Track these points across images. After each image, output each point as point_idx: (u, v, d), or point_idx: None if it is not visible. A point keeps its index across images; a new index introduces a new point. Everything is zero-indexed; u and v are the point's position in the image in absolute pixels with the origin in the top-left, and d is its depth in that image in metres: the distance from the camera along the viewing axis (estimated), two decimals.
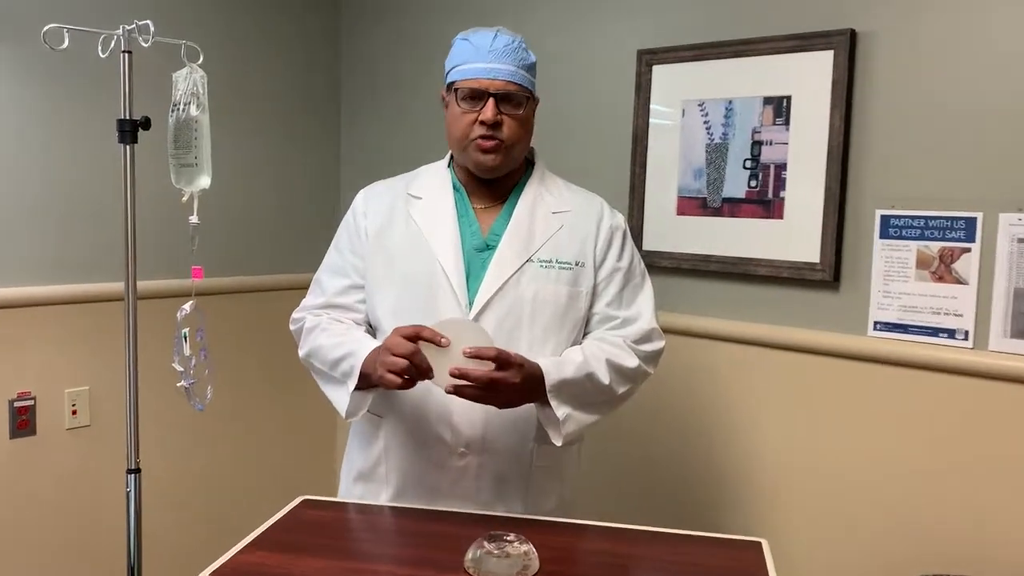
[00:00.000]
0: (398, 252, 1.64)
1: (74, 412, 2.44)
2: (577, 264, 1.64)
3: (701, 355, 2.19)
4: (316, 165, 3.02)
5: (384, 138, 2.91)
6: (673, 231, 2.23)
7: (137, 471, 1.92)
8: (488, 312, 1.58)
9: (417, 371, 1.43)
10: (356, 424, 1.71)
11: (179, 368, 1.92)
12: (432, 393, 1.56)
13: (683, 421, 2.24)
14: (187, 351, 1.92)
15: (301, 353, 1.68)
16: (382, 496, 1.65)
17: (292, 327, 1.73)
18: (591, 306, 1.67)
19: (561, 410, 1.53)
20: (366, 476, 1.67)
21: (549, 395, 1.51)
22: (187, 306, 1.92)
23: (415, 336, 1.44)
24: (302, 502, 1.58)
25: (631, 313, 1.68)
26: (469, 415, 1.57)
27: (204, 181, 1.87)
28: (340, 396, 1.59)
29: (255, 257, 2.85)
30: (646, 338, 1.68)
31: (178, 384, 1.93)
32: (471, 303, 1.59)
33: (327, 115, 3.04)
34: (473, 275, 1.61)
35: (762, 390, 2.12)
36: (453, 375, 1.42)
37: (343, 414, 1.58)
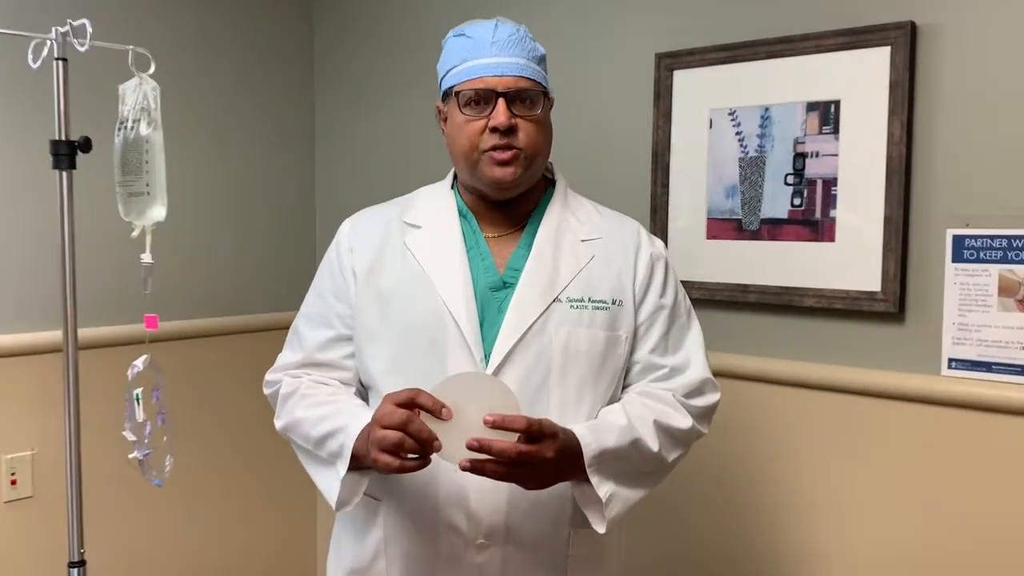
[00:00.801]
0: (393, 295, 1.34)
1: (13, 482, 2.10)
2: (614, 303, 1.35)
3: (741, 400, 1.90)
4: (289, 187, 2.68)
5: (367, 153, 2.61)
6: (703, 258, 1.95)
7: (81, 564, 1.59)
8: (509, 366, 1.28)
9: (418, 444, 1.13)
10: None
11: (131, 437, 1.61)
12: (442, 469, 1.26)
13: (723, 482, 1.95)
14: (140, 416, 1.61)
15: (278, 425, 1.38)
16: None
17: (266, 391, 1.42)
18: (631, 353, 1.38)
19: (604, 488, 1.24)
20: (361, 573, 1.36)
21: (589, 471, 1.22)
22: (139, 362, 1.61)
23: (410, 403, 1.15)
24: None
25: (679, 360, 1.40)
26: (491, 497, 1.27)
27: (158, 212, 1.58)
28: (328, 482, 1.28)
29: (220, 297, 2.51)
30: (698, 391, 1.39)
31: (130, 456, 1.62)
32: (487, 356, 1.29)
33: (300, 129, 2.71)
34: (488, 320, 1.32)
35: (815, 440, 1.83)
36: (471, 447, 1.12)
37: (332, 504, 1.27)
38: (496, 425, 1.13)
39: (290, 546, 2.68)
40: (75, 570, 1.59)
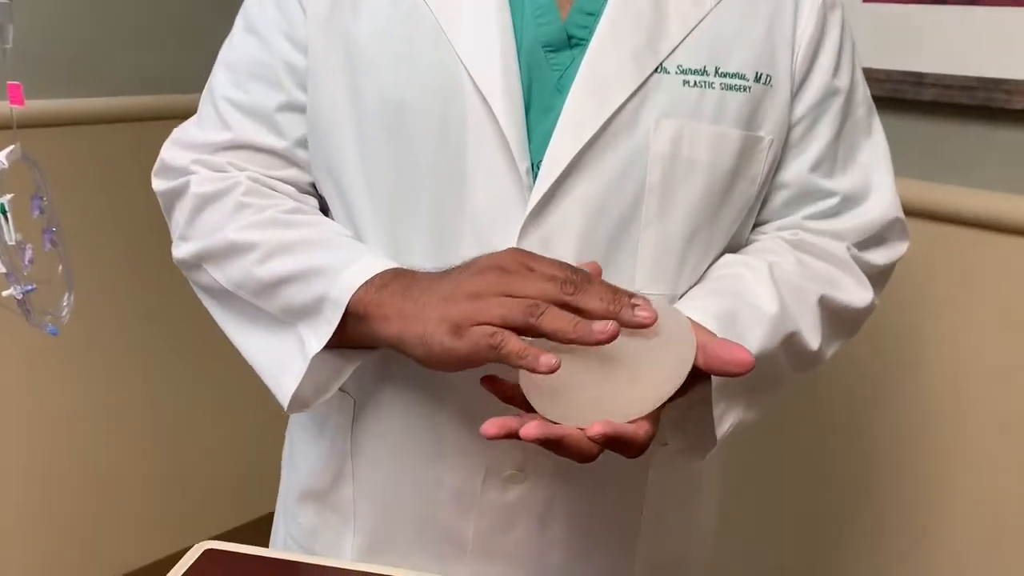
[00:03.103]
0: (372, 52, 0.76)
1: None
2: (758, 79, 0.78)
3: (914, 251, 1.34)
4: None
5: None
6: (857, 32, 1.35)
7: None
8: (571, 187, 0.74)
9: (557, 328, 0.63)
10: None
11: (0, 268, 1.10)
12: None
13: (873, 370, 1.40)
14: (11, 237, 1.09)
15: (184, 249, 0.81)
16: (346, 541, 0.85)
17: (160, 184, 0.85)
18: (777, 169, 0.82)
19: (728, 420, 0.75)
20: (319, 496, 0.87)
21: (715, 396, 0.72)
22: (3, 155, 1.07)
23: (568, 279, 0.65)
24: (205, 555, 0.78)
25: (854, 183, 0.85)
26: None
27: None
28: (279, 356, 0.76)
29: (125, 66, 1.70)
30: (880, 237, 0.87)
31: (3, 294, 1.12)
32: (535, 165, 0.74)
33: None
34: (538, 103, 0.75)
35: None
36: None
37: (284, 401, 0.75)
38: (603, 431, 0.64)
39: (243, 430, 1.94)
40: None
